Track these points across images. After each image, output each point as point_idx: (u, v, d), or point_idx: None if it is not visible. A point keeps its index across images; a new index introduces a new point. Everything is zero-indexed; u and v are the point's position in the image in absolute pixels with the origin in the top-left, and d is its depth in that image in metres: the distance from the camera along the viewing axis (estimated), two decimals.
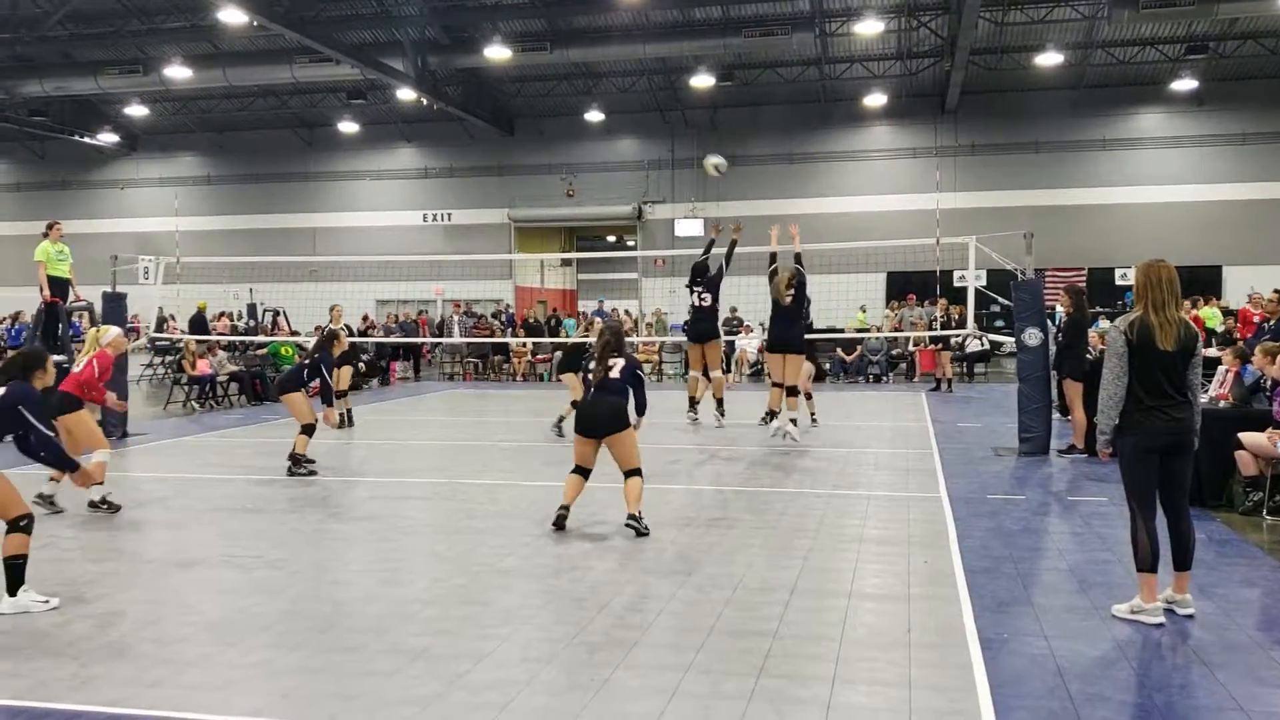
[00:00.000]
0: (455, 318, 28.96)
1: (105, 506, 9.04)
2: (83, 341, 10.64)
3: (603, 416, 8.18)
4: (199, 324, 25.03)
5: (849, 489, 10.11)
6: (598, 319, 17.55)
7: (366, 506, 9.62)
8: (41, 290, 14.51)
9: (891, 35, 28.88)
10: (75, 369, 9.54)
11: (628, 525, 8.05)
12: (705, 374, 14.49)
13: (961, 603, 6.18)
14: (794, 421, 12.89)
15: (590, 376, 8.34)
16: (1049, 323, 13.19)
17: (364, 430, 15.40)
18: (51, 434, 6.73)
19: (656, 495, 9.70)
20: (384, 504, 9.69)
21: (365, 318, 27.91)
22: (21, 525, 6.18)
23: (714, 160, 15.47)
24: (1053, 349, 12.67)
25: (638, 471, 8.21)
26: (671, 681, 4.92)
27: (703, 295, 14.28)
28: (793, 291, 12.87)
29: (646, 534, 7.98)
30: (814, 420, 14.93)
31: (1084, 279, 29.48)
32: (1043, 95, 30.95)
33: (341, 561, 7.52)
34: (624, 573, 6.94)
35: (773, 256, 13.94)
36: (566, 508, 8.24)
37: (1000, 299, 13.36)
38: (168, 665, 5.21)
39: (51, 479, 8.93)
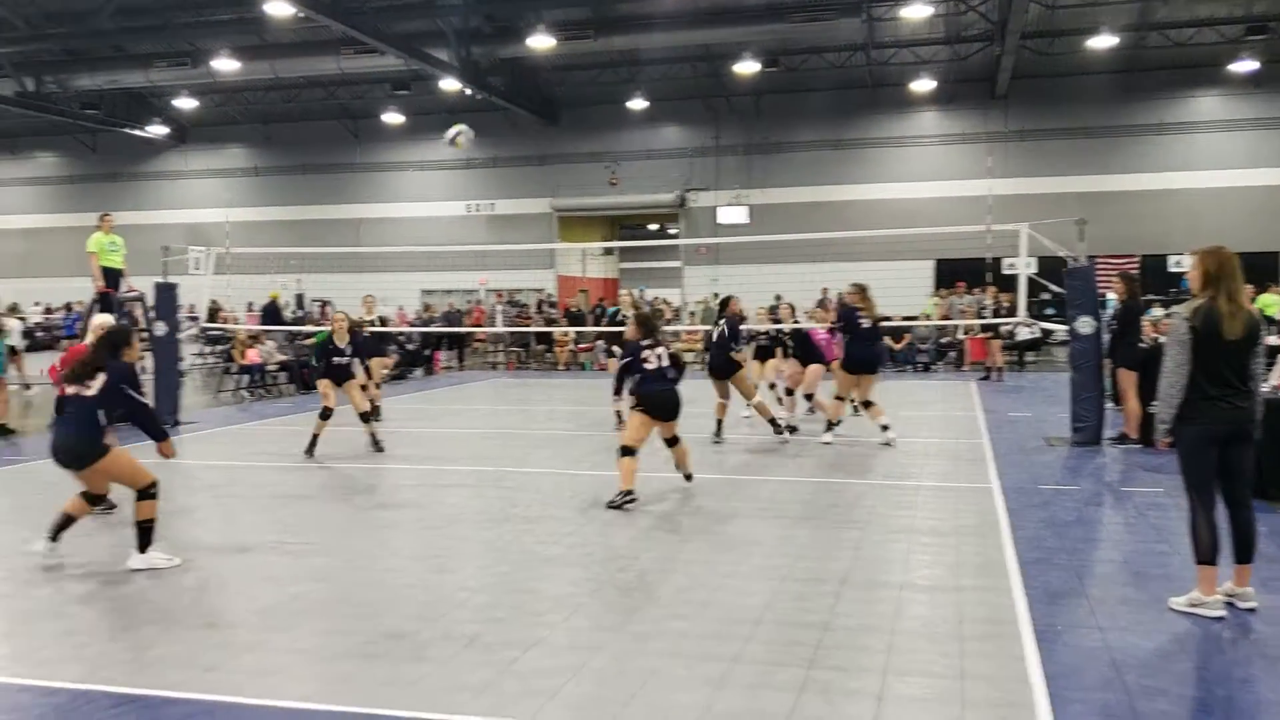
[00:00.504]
0: (498, 307, 29.08)
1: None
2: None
3: (676, 403, 9.16)
4: (272, 313, 25.14)
5: (899, 479, 10.02)
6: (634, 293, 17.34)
7: (413, 494, 9.67)
8: (95, 280, 14.72)
9: (940, 19, 28.50)
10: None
11: (689, 478, 9.47)
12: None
13: (1014, 594, 6.10)
14: (885, 427, 12.06)
15: (649, 366, 9.09)
16: (1101, 310, 12.98)
17: (409, 418, 15.49)
18: (148, 404, 7.15)
19: (703, 486, 9.68)
20: (430, 491, 9.74)
21: (399, 309, 28.09)
22: (151, 493, 6.88)
23: (454, 132, 14.35)
24: (1105, 337, 12.48)
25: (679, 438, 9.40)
26: (720, 671, 4.89)
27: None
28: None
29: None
30: (855, 409, 14.78)
31: (1137, 266, 28.97)
32: (1095, 79, 30.42)
33: (390, 549, 7.57)
34: (671, 562, 6.92)
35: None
36: (634, 494, 8.67)
37: (1052, 286, 13.15)
38: (223, 650, 5.27)
39: None
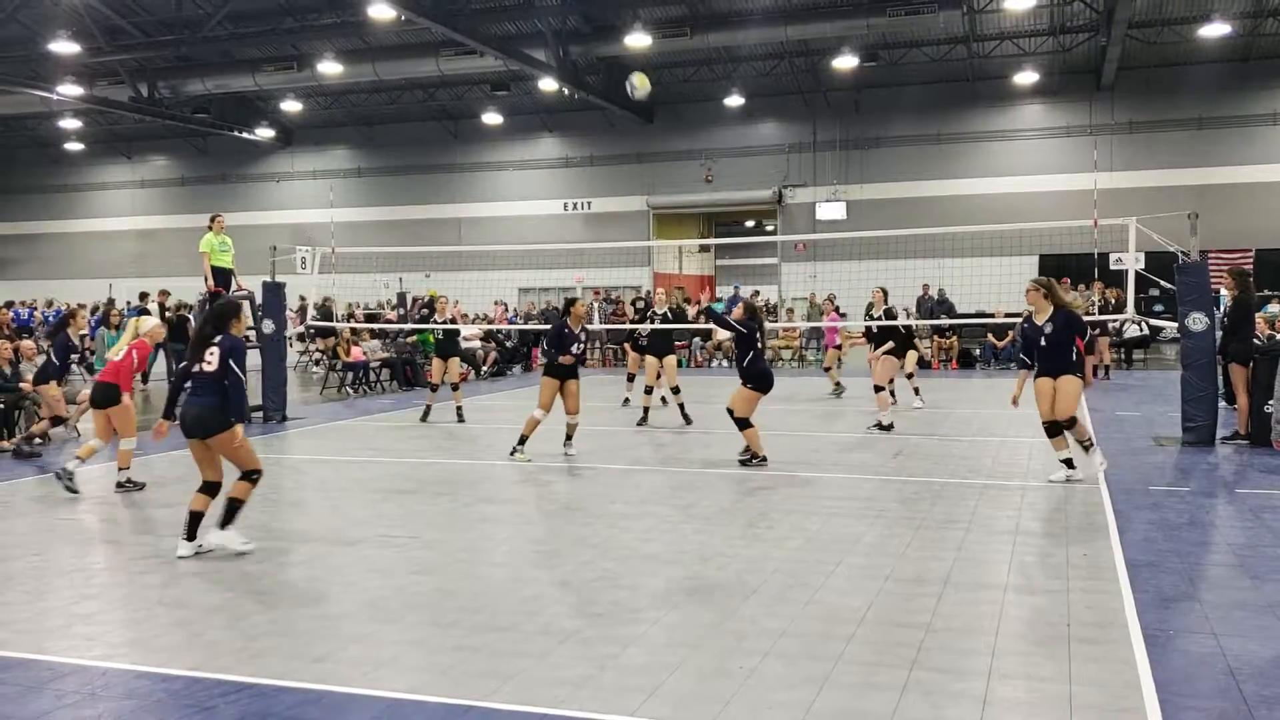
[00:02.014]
0: (595, 304, 29.26)
1: (131, 486, 9.78)
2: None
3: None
4: (432, 309, 25.41)
5: (1003, 479, 9.84)
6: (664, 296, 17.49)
7: (511, 489, 9.80)
8: (206, 280, 15.16)
9: (1043, 10, 27.85)
10: (115, 358, 9.95)
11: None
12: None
13: (1123, 597, 5.94)
14: (1070, 463, 9.62)
15: (762, 345, 10.97)
16: (1215, 307, 12.57)
17: (507, 414, 15.67)
18: (244, 381, 7.42)
19: (802, 483, 9.62)
20: (528, 487, 9.86)
21: (498, 304, 28.39)
22: (253, 478, 7.28)
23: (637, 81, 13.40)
24: (1218, 334, 12.08)
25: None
26: (822, 671, 4.86)
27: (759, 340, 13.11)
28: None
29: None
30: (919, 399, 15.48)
31: (1250, 261, 27.94)
32: (1206, 68, 29.42)
33: (491, 542, 7.67)
34: (769, 561, 6.89)
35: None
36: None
37: (1161, 282, 12.77)
38: (331, 641, 5.40)
39: (78, 456, 9.63)
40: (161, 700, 4.67)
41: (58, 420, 12.72)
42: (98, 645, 5.41)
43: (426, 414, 15.22)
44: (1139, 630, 5.36)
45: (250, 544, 7.26)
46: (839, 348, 18.76)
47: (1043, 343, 9.52)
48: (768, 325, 14.35)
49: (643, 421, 14.26)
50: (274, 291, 15.58)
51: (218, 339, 7.28)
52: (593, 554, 7.18)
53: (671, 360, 15.21)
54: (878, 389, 13.66)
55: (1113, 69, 28.72)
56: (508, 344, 24.67)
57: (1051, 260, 28.76)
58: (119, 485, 9.80)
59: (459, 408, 15.23)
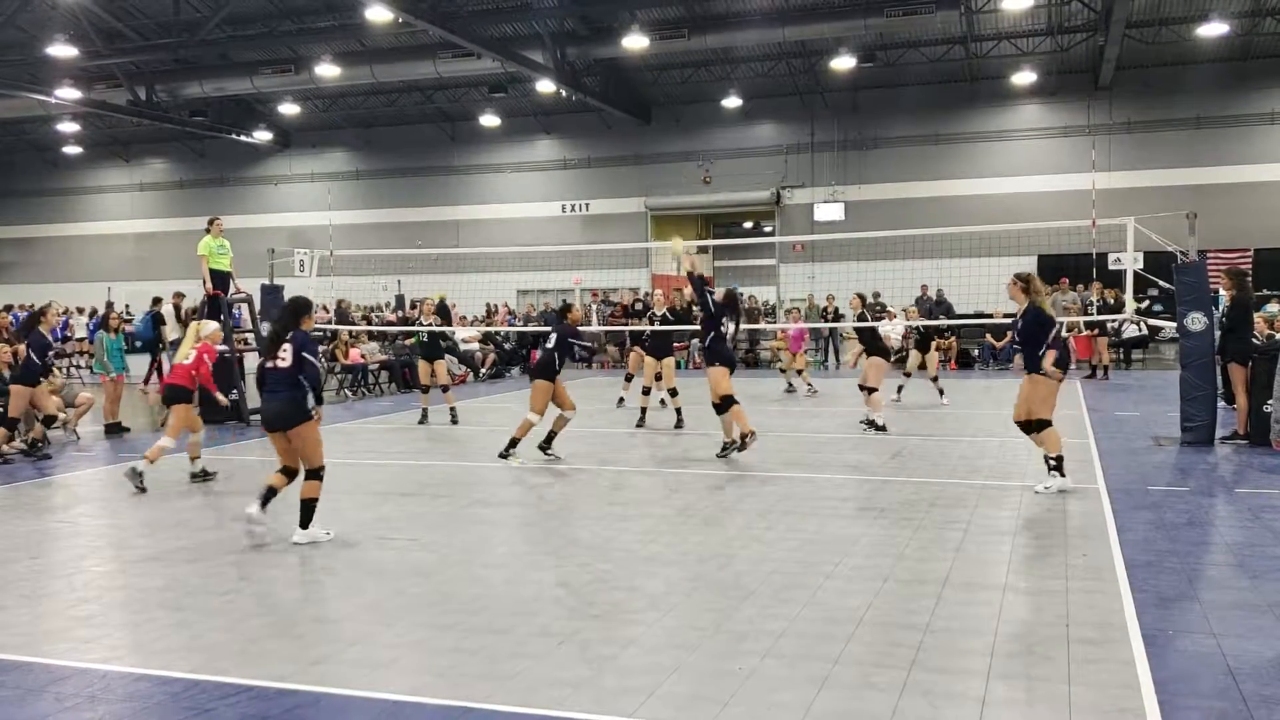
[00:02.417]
0: (593, 306, 29.25)
1: (204, 476, 10.47)
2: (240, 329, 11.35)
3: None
4: (444, 312, 25.36)
5: (1001, 479, 9.84)
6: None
7: (510, 491, 9.80)
8: (204, 283, 15.16)
9: (1041, 10, 27.86)
10: (184, 361, 10.43)
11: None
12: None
13: (1122, 597, 5.94)
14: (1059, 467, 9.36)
15: (732, 331, 11.43)
16: (1213, 307, 12.57)
17: (505, 416, 15.67)
18: (321, 369, 7.95)
19: (800, 484, 9.63)
20: (526, 490, 9.86)
21: (504, 305, 28.35)
22: (319, 474, 7.67)
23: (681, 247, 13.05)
24: (1217, 334, 12.09)
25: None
26: (821, 671, 4.86)
27: (548, 339, 12.11)
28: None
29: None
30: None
31: (1249, 260, 27.95)
32: (1205, 68, 29.43)
33: (489, 545, 7.67)
34: (768, 562, 6.88)
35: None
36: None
37: (1160, 282, 12.77)
38: (331, 643, 5.40)
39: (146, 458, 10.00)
40: (161, 703, 4.67)
41: (50, 420, 12.73)
42: (97, 648, 5.41)
43: (424, 417, 15.23)
44: (1138, 630, 5.36)
45: (330, 532, 7.71)
46: (803, 353, 19.45)
47: (1015, 336, 9.63)
48: (765, 325, 14.54)
49: (640, 423, 14.26)
50: (272, 294, 15.57)
51: (290, 335, 7.67)
52: (591, 555, 7.18)
53: (670, 362, 15.22)
54: (870, 390, 13.48)
55: (1110, 69, 28.72)
56: (505, 346, 24.65)
57: (1050, 260, 28.74)
58: (192, 476, 10.44)
59: (452, 409, 15.23)
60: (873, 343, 14.07)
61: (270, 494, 7.67)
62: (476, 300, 29.98)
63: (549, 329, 12.42)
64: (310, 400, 7.64)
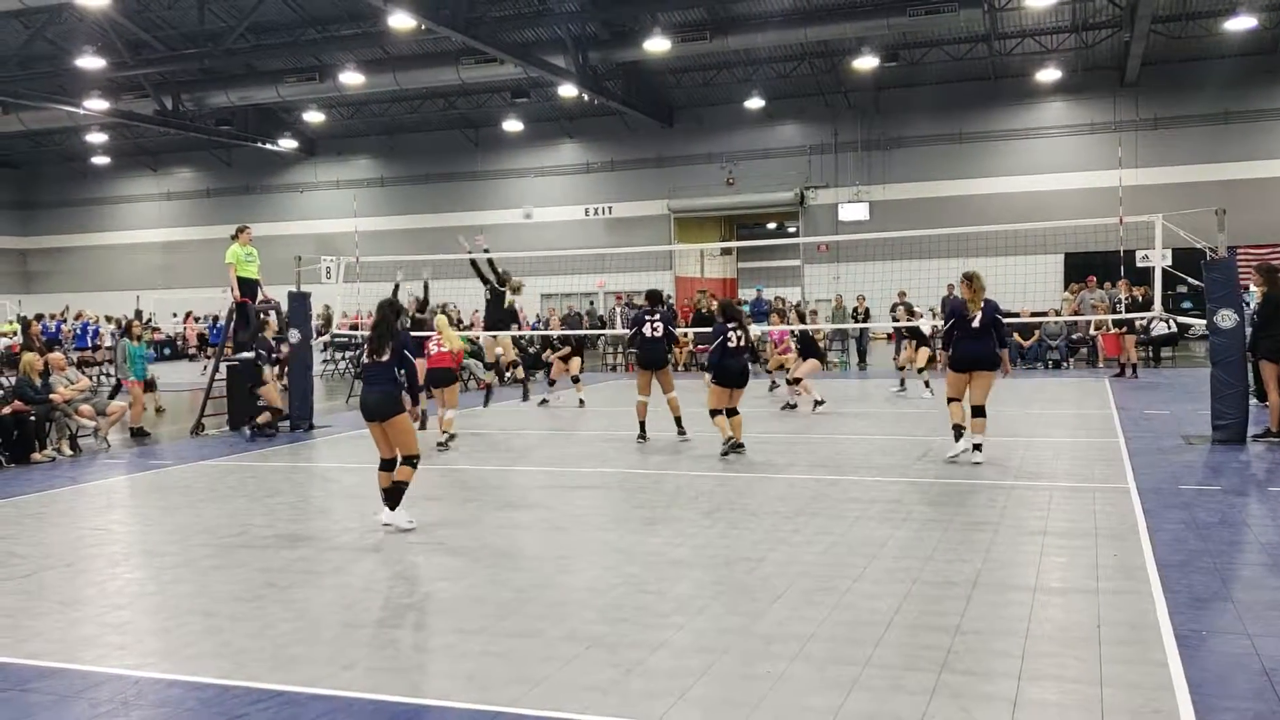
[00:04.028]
0: (617, 309, 29.26)
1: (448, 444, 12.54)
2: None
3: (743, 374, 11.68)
4: (511, 316, 25.39)
5: (1030, 479, 9.77)
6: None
7: (538, 495, 9.81)
8: (232, 291, 15.27)
9: (1065, 7, 27.73)
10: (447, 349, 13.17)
11: (738, 450, 11.36)
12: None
13: (1154, 598, 5.87)
14: (978, 447, 10.63)
15: (740, 341, 11.51)
16: (1244, 303, 12.43)
17: (531, 419, 15.71)
18: (416, 366, 8.78)
19: (827, 485, 9.60)
20: (554, 493, 9.87)
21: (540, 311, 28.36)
22: (414, 461, 8.17)
23: None
24: (1247, 330, 11.95)
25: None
26: (850, 675, 4.83)
27: (655, 325, 13.08)
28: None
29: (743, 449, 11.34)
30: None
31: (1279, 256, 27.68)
32: (1233, 62, 29.19)
33: (517, 548, 7.68)
34: (796, 564, 6.86)
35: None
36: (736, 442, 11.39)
37: (1189, 279, 12.64)
38: (361, 648, 5.42)
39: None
40: (193, 709, 4.70)
41: (276, 412, 14.66)
42: (129, 654, 5.45)
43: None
44: (1171, 631, 5.30)
45: (414, 523, 8.09)
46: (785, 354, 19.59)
47: (975, 325, 10.56)
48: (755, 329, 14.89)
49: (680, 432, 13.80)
50: (299, 301, 15.67)
51: (395, 334, 8.26)
52: (618, 559, 7.18)
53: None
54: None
55: (1136, 64, 28.53)
56: (530, 350, 24.66)
57: (1077, 258, 28.59)
58: (438, 445, 12.38)
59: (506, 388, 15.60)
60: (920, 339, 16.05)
61: (390, 494, 8.17)
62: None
63: (651, 318, 13.17)
64: (405, 396, 8.25)
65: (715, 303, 12.47)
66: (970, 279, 10.72)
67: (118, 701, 4.77)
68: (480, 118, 37.25)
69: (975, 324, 10.51)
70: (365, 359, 8.43)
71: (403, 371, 8.27)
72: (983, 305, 10.55)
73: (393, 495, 8.13)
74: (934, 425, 13.69)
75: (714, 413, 11.57)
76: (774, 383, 19.38)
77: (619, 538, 7.85)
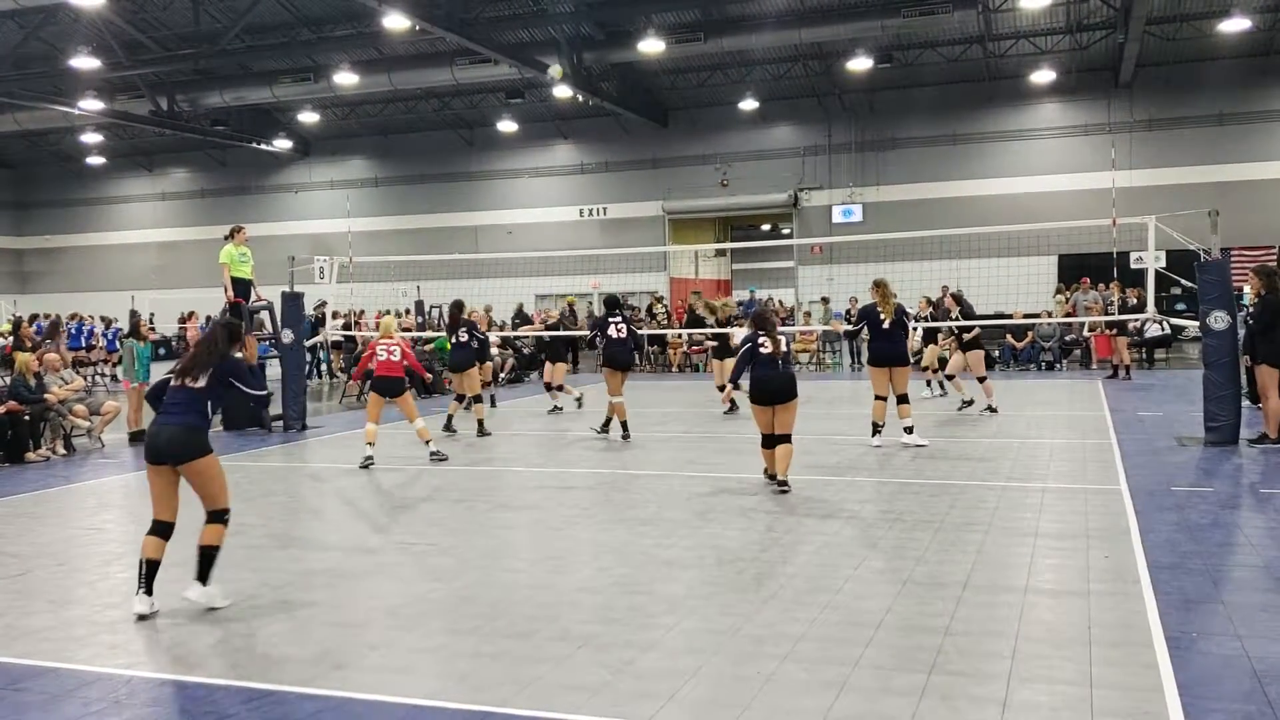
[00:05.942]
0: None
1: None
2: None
3: (787, 386, 9.61)
4: (523, 319, 25.51)
5: (1022, 481, 9.79)
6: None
7: (530, 496, 9.81)
8: (226, 291, 15.25)
9: (1059, 8, 27.75)
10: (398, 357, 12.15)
11: (782, 488, 9.26)
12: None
13: (1145, 600, 5.89)
14: (909, 430, 12.04)
15: (764, 351, 9.59)
16: (1237, 305, 12.44)
17: (523, 421, 15.70)
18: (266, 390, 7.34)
19: (820, 488, 9.61)
20: (546, 494, 9.86)
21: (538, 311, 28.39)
22: (224, 518, 6.32)
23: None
24: (1241, 332, 11.96)
25: (790, 438, 9.53)
26: (840, 675, 4.84)
27: (619, 326, 13.73)
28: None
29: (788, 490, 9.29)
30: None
31: (1274, 257, 27.69)
32: (1227, 64, 29.23)
33: (509, 549, 7.69)
34: (788, 565, 6.87)
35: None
36: (778, 479, 9.39)
37: (1182, 281, 12.66)
38: (352, 649, 5.42)
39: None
40: (184, 708, 4.71)
41: (477, 399, 14.46)
42: (121, 653, 5.45)
43: (448, 424, 14.94)
44: (1162, 633, 5.31)
45: (229, 600, 6.27)
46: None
47: (885, 326, 12.08)
48: (785, 329, 14.59)
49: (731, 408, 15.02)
50: (293, 301, 15.66)
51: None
52: (611, 560, 7.19)
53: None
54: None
55: (1131, 66, 28.57)
56: (524, 351, 24.68)
57: (1070, 260, 28.64)
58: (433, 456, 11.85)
59: (480, 421, 14.80)
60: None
61: (200, 562, 6.25)
62: (497, 306, 29.96)
63: (614, 320, 13.61)
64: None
65: (701, 303, 12.44)
66: (879, 285, 12.28)
67: (109, 700, 4.77)
68: (475, 118, 37.23)
69: (885, 325, 12.12)
70: (173, 381, 6.36)
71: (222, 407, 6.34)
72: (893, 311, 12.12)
73: (202, 564, 6.20)
74: (925, 429, 13.70)
75: (763, 442, 9.79)
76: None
77: (611, 538, 7.86)
